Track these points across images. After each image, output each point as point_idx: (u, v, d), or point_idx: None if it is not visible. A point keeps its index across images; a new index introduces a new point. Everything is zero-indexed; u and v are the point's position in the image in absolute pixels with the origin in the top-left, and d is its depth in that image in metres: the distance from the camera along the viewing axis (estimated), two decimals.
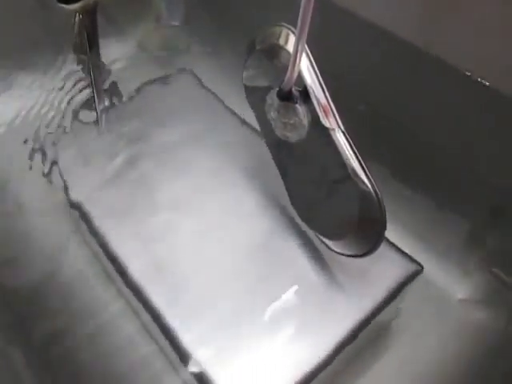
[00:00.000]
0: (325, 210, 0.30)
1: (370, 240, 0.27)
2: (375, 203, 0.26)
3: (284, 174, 0.32)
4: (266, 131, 0.32)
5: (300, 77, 0.26)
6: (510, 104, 0.35)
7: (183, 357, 0.27)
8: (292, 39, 0.27)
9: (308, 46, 0.25)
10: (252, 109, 0.32)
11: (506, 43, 0.34)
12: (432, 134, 0.39)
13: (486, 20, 0.34)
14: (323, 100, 0.26)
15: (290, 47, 0.26)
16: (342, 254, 0.29)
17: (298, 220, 0.32)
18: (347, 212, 0.28)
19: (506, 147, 0.36)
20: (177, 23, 0.50)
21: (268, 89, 0.29)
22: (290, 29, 0.27)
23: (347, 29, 0.42)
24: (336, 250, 0.29)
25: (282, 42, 0.27)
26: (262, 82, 0.30)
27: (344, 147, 0.26)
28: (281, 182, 0.32)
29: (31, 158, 0.38)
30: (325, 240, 0.30)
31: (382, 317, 0.29)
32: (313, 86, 0.26)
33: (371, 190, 0.25)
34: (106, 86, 0.41)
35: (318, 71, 0.26)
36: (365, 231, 0.27)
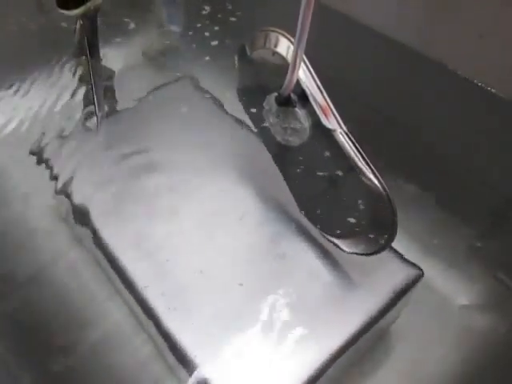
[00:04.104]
0: (333, 211, 0.30)
1: (381, 237, 0.27)
2: (385, 200, 0.26)
3: (287, 177, 0.32)
4: (265, 136, 0.31)
5: (297, 80, 0.26)
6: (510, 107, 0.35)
7: (185, 361, 0.27)
8: (283, 42, 0.27)
9: (307, 50, 0.25)
10: (247, 115, 0.32)
11: (506, 46, 0.34)
12: (434, 138, 0.39)
13: (486, 23, 0.35)
14: (322, 102, 0.26)
15: (281, 50, 0.27)
16: (352, 253, 0.29)
17: (302, 222, 0.32)
18: (357, 211, 0.27)
19: (507, 150, 0.36)
20: (178, 29, 0.50)
21: (262, 94, 0.29)
22: (279, 32, 0.27)
23: (348, 33, 0.43)
24: (346, 249, 0.29)
25: (272, 45, 0.27)
26: (255, 88, 0.30)
27: (348, 147, 0.26)
28: (284, 184, 0.32)
29: (33, 162, 0.38)
30: (333, 240, 0.30)
31: (383, 321, 0.29)
32: (310, 89, 0.26)
33: (380, 188, 0.25)
34: (107, 91, 0.42)
35: (314, 74, 0.26)
36: (376, 228, 0.27)
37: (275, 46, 0.27)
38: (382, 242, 0.27)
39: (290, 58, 0.25)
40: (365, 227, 0.27)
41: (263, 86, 0.29)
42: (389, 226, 0.26)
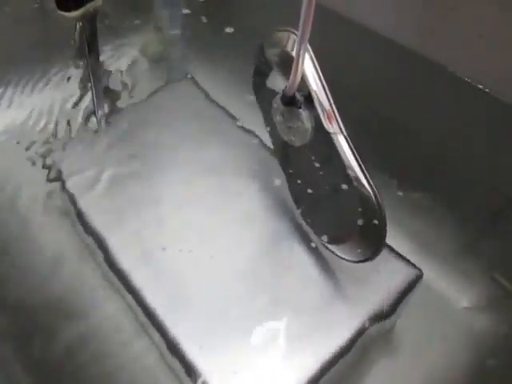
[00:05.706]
0: (327, 214, 0.30)
1: (371, 245, 0.27)
2: (375, 208, 0.26)
3: (289, 178, 0.32)
4: (273, 134, 0.32)
5: (304, 82, 0.26)
6: (509, 109, 0.35)
7: (185, 364, 0.27)
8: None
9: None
10: (261, 112, 0.32)
11: (506, 46, 0.34)
12: (434, 139, 0.39)
13: (486, 23, 0.35)
14: (327, 105, 0.26)
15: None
16: (345, 259, 0.29)
17: (302, 224, 0.32)
18: (349, 216, 0.28)
19: (507, 150, 0.36)
20: (177, 31, 0.50)
21: (274, 92, 0.29)
22: (295, 34, 0.27)
23: (348, 34, 0.43)
24: (339, 254, 0.29)
25: (289, 47, 0.27)
26: (270, 87, 0.30)
27: (346, 152, 0.26)
28: (285, 187, 0.32)
29: (34, 164, 0.38)
30: (328, 245, 0.30)
31: (383, 323, 0.29)
32: (317, 92, 0.26)
33: (371, 195, 0.26)
34: (107, 92, 0.42)
35: (322, 77, 0.26)
36: (366, 236, 0.27)
37: (291, 47, 0.27)
38: (372, 249, 0.27)
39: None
40: (356, 233, 0.27)
41: (277, 86, 0.29)
42: (378, 233, 0.26)
